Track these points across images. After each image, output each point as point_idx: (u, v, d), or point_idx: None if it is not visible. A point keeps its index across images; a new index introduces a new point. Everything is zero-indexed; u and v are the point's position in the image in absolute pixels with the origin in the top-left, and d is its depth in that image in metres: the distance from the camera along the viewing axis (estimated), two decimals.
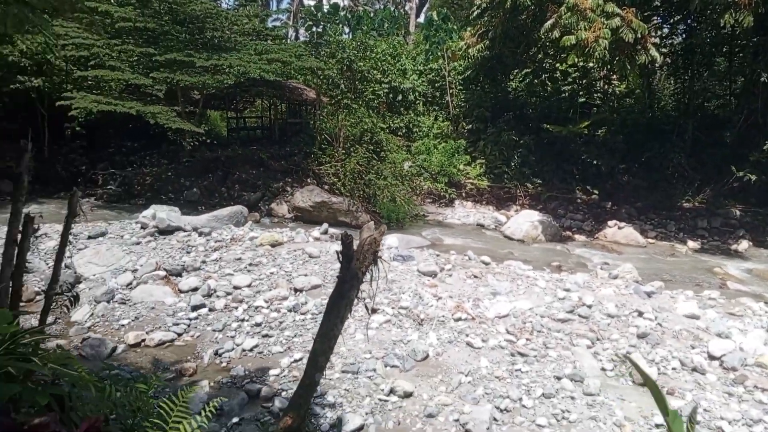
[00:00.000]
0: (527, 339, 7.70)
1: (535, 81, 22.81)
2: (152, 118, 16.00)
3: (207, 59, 17.25)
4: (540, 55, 21.55)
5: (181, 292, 8.86)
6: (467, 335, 7.66)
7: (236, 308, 8.43)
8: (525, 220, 16.39)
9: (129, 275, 9.23)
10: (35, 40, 16.32)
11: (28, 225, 3.37)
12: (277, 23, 42.54)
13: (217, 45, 19.11)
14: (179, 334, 7.67)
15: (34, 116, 18.25)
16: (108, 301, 8.45)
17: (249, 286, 9.18)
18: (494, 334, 7.77)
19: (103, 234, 11.24)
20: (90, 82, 17.53)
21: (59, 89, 16.90)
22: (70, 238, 10.10)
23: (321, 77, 22.21)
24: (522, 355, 7.27)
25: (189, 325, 7.92)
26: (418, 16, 38.57)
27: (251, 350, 7.31)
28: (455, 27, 26.33)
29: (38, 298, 8.75)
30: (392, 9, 41.01)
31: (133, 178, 17.74)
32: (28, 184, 3.80)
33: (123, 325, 7.82)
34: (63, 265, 9.40)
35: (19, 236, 3.62)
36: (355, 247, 3.34)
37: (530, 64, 22.09)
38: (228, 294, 8.84)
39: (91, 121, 16.48)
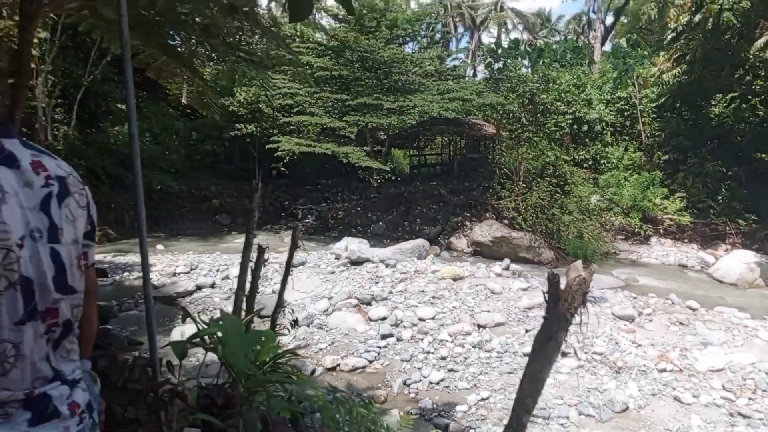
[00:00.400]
0: (749, 398, 6.69)
1: (744, 106, 20.27)
2: (345, 157, 17.34)
3: (393, 101, 18.27)
4: (748, 77, 19.17)
5: (371, 320, 9.30)
6: (674, 388, 6.89)
7: (422, 340, 8.60)
8: (738, 261, 14.42)
9: (326, 302, 9.94)
10: (250, 92, 18.77)
11: (261, 255, 3.82)
12: (456, 62, 43.74)
13: (401, 87, 20.16)
14: (370, 361, 8.02)
15: (246, 158, 20.89)
16: (308, 326, 9.17)
17: (433, 318, 9.33)
18: (707, 390, 6.88)
19: (303, 263, 12.29)
20: (292, 127, 19.58)
21: (267, 134, 19.18)
22: (276, 266, 11.25)
23: (501, 112, 22.18)
24: (744, 416, 6.32)
25: (379, 353, 8.24)
26: (603, 44, 36.81)
27: (438, 383, 7.37)
28: (646, 52, 24.62)
29: None
30: (574, 39, 39.76)
31: (327, 213, 19.27)
32: (258, 218, 4.31)
33: (321, 349, 8.41)
34: (266, 289, 10.41)
35: (251, 264, 4.11)
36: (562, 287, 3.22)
37: (736, 87, 19.71)
38: (414, 325, 9.06)
39: (293, 161, 18.37)
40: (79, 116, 16.29)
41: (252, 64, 6.72)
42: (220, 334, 1.69)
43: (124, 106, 19.66)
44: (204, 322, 1.97)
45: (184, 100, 20.40)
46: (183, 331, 8.50)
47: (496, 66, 27.22)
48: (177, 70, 7.91)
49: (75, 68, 15.97)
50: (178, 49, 8.36)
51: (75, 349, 1.25)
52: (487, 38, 49.53)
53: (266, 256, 3.85)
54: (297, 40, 20.91)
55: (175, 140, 20.13)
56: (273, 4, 33.03)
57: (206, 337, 1.91)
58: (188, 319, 2.87)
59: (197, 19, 6.02)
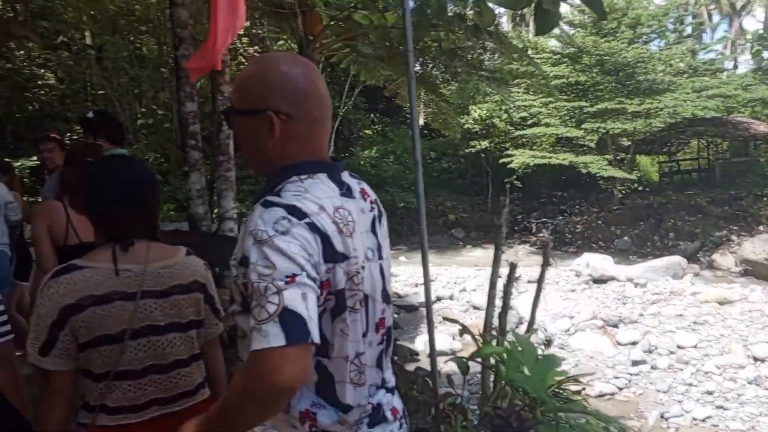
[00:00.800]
0: None
1: None
2: (584, 167, 16.53)
3: (639, 104, 16.91)
4: None
5: (619, 344, 8.64)
6: None
7: (681, 370, 7.70)
8: None
9: (567, 321, 9.53)
10: (484, 108, 19.12)
11: (513, 272, 3.83)
12: (711, 55, 38.45)
13: (647, 88, 18.53)
14: (620, 388, 7.44)
15: (479, 174, 21.28)
16: (548, 345, 8.88)
17: (695, 347, 8.29)
18: None
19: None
20: (525, 140, 19.37)
21: (500, 148, 19.29)
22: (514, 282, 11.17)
23: None
24: None
25: (629, 381, 7.61)
26: None
27: (703, 420, 6.51)
28: None
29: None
30: None
31: (563, 227, 18.54)
32: (505, 234, 4.32)
33: (563, 371, 8.07)
34: (510, 306, 10.39)
35: (497, 280, 4.14)
36: None
37: None
38: (671, 353, 8.16)
39: (526, 173, 18.12)
40: (335, 143, 18.37)
41: (493, 81, 6.83)
42: (505, 354, 1.74)
43: (370, 132, 21.67)
44: (483, 339, 2.04)
45: (421, 122, 21.62)
46: (425, 340, 8.92)
47: (766, 54, 23.32)
48: (421, 94, 8.45)
49: (332, 101, 18.08)
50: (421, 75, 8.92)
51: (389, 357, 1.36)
52: (752, 23, 42.66)
53: (518, 275, 3.84)
54: (530, 51, 20.68)
55: None
56: (504, 19, 33.16)
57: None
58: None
59: (443, 45, 6.35)
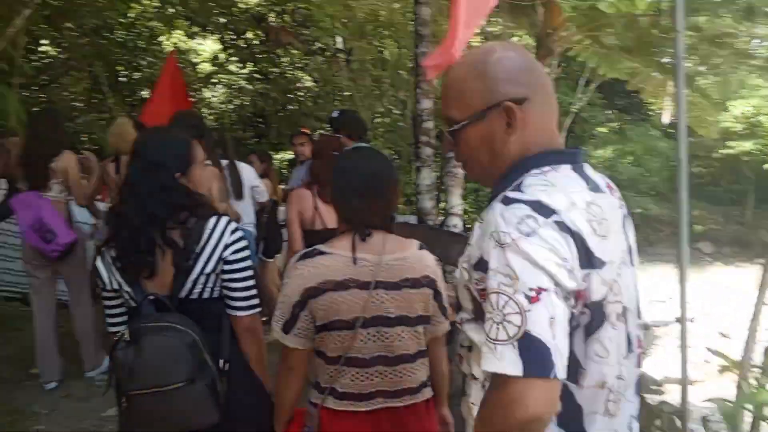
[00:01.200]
0: None
1: None
2: None
3: None
4: None
5: None
6: None
7: None
8: None
9: None
10: (749, 104, 16.45)
11: None
12: None
13: None
14: None
15: (737, 180, 18.45)
16: None
17: None
18: None
19: None
20: None
21: (766, 151, 16.45)
22: None
23: None
24: None
25: None
26: None
27: None
28: None
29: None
30: None
31: None
32: None
33: None
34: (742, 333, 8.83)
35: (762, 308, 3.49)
36: None
37: None
38: None
39: None
40: (566, 142, 17.48)
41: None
42: None
43: (605, 130, 20.18)
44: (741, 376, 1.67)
45: (665, 119, 19.40)
46: (653, 364, 7.97)
47: None
48: (669, 87, 7.55)
49: (566, 97, 17.20)
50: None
51: None
52: None
53: None
54: None
55: (656, 162, 19.38)
56: None
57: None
58: None
59: (702, 33, 5.57)
